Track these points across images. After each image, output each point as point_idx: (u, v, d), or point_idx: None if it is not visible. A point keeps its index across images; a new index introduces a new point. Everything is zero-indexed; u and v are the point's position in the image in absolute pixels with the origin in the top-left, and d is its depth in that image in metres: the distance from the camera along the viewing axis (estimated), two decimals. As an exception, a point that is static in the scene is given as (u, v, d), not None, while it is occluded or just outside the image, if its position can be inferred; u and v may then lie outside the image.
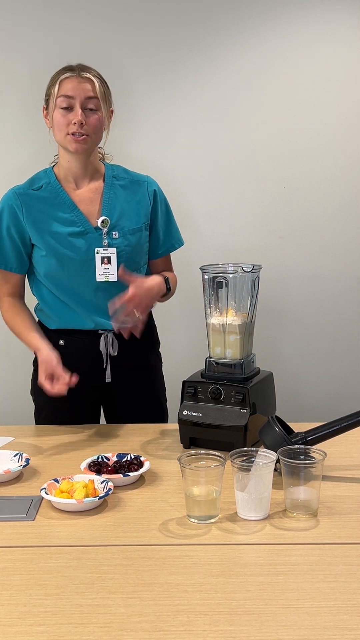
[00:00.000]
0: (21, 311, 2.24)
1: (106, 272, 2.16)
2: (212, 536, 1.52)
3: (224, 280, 2.03)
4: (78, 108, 2.07)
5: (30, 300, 2.30)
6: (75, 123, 2.07)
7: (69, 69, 2.11)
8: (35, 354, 2.18)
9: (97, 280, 2.16)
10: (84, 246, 2.16)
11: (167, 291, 2.21)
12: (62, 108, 2.08)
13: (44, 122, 2.18)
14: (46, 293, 2.23)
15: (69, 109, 2.08)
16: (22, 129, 3.02)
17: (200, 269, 2.06)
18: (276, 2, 3.02)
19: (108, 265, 2.16)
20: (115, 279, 2.14)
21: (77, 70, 2.10)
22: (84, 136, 2.09)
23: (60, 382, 2.02)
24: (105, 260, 2.15)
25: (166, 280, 2.20)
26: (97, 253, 2.15)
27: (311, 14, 3.04)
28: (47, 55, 2.91)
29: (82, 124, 2.07)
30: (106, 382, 2.25)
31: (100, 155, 2.28)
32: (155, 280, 2.15)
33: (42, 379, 2.04)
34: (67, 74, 2.09)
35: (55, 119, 2.10)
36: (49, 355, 2.07)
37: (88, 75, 2.09)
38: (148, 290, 2.11)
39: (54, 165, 2.24)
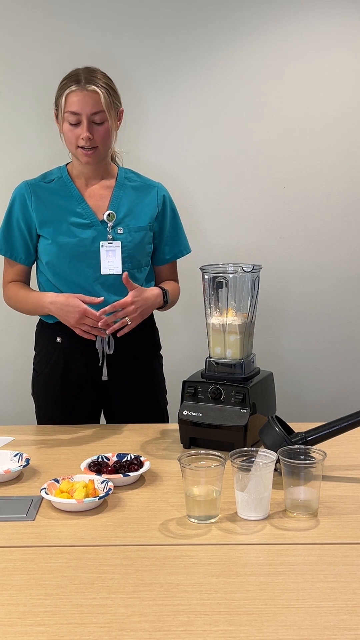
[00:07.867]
0: (27, 286, 2.29)
1: (111, 265, 2.18)
2: (212, 536, 1.52)
3: (224, 280, 2.03)
4: (85, 123, 2.09)
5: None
6: (83, 138, 2.10)
7: (75, 79, 2.09)
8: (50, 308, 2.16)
9: (102, 273, 2.19)
10: (88, 238, 2.19)
11: (165, 304, 2.24)
12: (70, 124, 2.11)
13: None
14: (48, 285, 2.24)
15: (76, 124, 2.11)
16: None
17: (200, 269, 2.07)
18: (276, 6, 3.02)
19: (113, 259, 2.18)
20: (120, 272, 2.17)
21: (82, 82, 2.08)
22: (93, 148, 2.13)
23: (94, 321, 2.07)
24: (110, 253, 2.16)
25: (165, 292, 2.23)
26: (102, 246, 2.18)
27: (311, 16, 3.04)
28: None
29: (89, 138, 2.11)
30: (103, 380, 2.26)
31: (116, 155, 2.31)
32: (153, 292, 2.19)
33: (78, 323, 2.07)
34: (73, 87, 2.08)
35: (64, 131, 2.15)
36: (67, 299, 2.08)
37: (93, 87, 2.08)
38: (146, 299, 2.13)
39: (67, 163, 2.28)
